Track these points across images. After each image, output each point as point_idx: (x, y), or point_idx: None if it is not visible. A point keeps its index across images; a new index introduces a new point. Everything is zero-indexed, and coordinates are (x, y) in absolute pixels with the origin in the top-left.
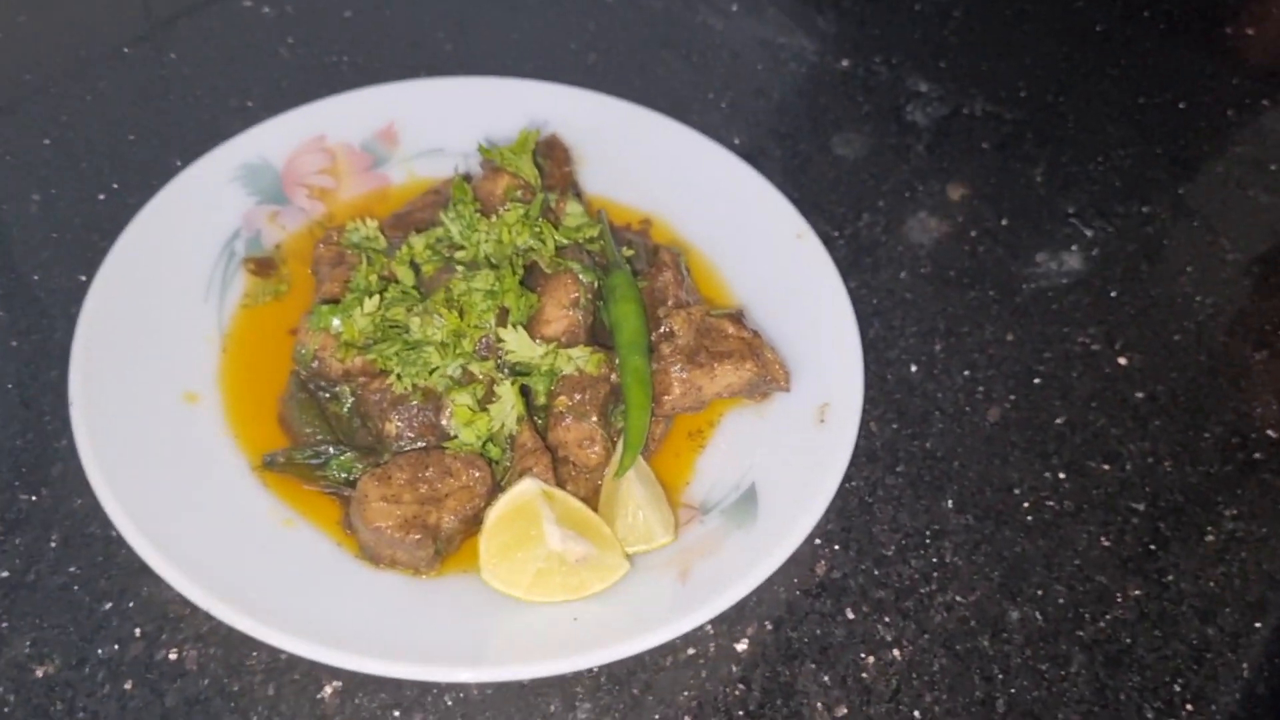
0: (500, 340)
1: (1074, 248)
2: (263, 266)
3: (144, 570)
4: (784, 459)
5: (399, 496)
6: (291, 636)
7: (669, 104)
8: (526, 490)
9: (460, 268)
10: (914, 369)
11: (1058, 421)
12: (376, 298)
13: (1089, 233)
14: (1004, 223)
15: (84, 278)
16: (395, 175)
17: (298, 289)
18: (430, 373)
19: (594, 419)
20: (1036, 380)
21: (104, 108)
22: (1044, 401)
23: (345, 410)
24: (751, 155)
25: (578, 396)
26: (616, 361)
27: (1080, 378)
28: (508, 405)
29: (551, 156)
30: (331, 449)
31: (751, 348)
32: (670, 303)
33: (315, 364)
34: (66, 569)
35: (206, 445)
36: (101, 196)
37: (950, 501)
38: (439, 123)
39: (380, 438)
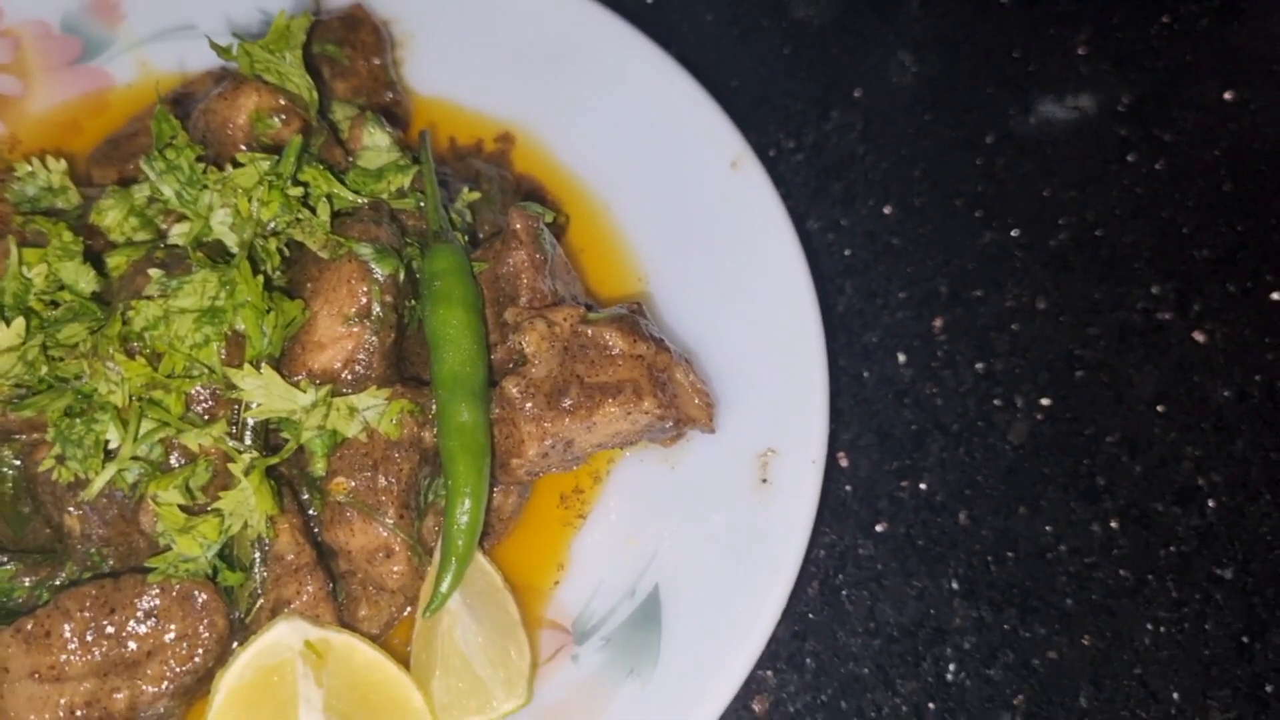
0: (233, 389)
1: (1130, 157)
2: None
3: None
4: (705, 542)
5: (63, 669)
6: None
7: None
8: (280, 644)
9: (153, 272)
10: (903, 360)
11: (1109, 440)
12: (20, 321)
13: (1152, 135)
14: (1032, 118)
15: None
16: (120, 69)
17: None
18: (105, 455)
19: (390, 515)
20: (1079, 373)
21: None
22: (1089, 407)
23: (7, 487)
24: (668, 21)
25: (365, 478)
26: (433, 411)
27: (1141, 365)
28: (248, 498)
29: (352, 42)
30: None
31: (653, 372)
32: (524, 299)
33: None
34: None
35: None
36: None
37: (954, 580)
38: None
39: (61, 534)
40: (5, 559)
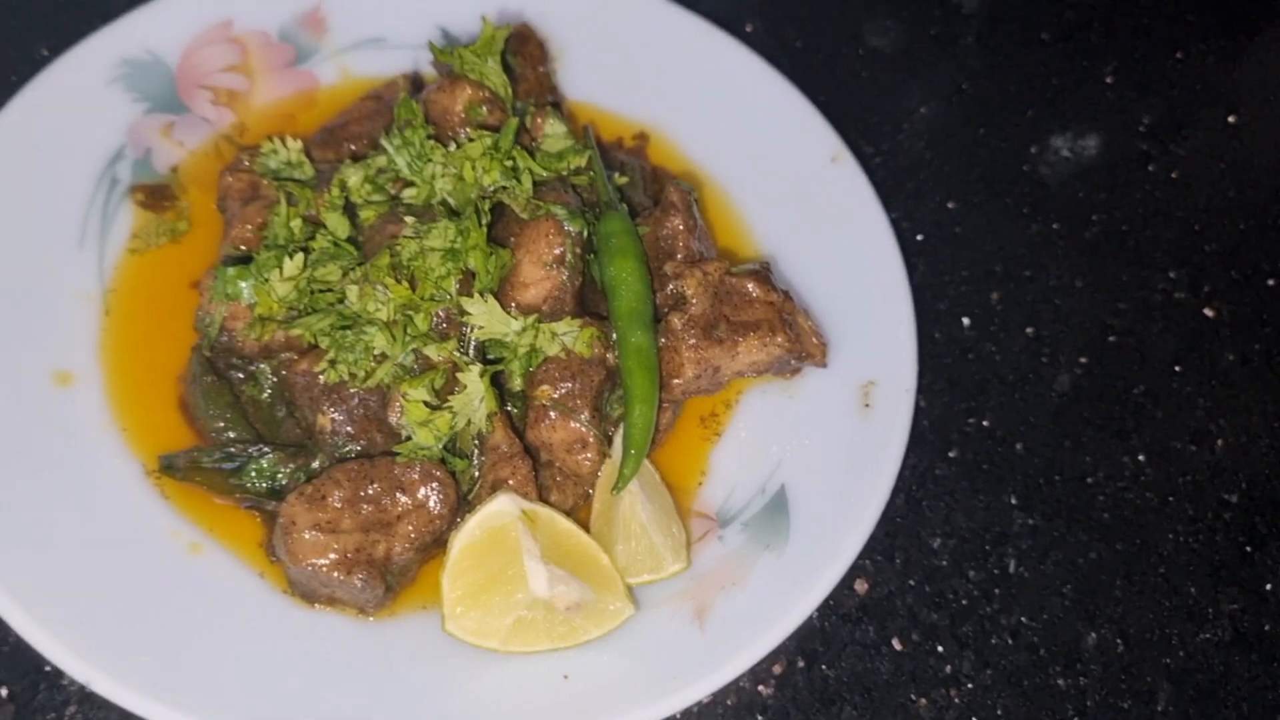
0: (464, 314)
1: (1150, 167)
2: (156, 197)
3: None
4: (820, 454)
5: (337, 523)
6: (200, 713)
7: None
8: (502, 511)
9: (409, 219)
10: (967, 324)
11: (1136, 391)
12: (300, 256)
13: (1169, 149)
14: (1069, 133)
15: None
16: (325, 73)
17: (203, 226)
18: (373, 360)
19: (585, 415)
20: (1111, 338)
21: None
22: (1120, 365)
23: (265, 395)
24: (766, 48)
25: (565, 386)
26: (613, 337)
27: (1161, 334)
28: (475, 399)
29: (523, 54)
30: (249, 448)
31: (782, 315)
32: (680, 256)
33: (224, 337)
34: None
35: (84, 441)
36: None
37: (1013, 496)
38: (379, 4)
39: (312, 432)
40: (268, 450)
